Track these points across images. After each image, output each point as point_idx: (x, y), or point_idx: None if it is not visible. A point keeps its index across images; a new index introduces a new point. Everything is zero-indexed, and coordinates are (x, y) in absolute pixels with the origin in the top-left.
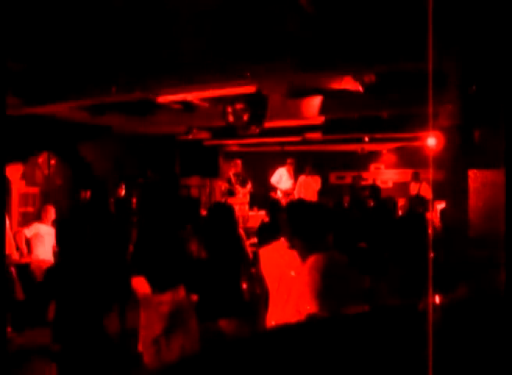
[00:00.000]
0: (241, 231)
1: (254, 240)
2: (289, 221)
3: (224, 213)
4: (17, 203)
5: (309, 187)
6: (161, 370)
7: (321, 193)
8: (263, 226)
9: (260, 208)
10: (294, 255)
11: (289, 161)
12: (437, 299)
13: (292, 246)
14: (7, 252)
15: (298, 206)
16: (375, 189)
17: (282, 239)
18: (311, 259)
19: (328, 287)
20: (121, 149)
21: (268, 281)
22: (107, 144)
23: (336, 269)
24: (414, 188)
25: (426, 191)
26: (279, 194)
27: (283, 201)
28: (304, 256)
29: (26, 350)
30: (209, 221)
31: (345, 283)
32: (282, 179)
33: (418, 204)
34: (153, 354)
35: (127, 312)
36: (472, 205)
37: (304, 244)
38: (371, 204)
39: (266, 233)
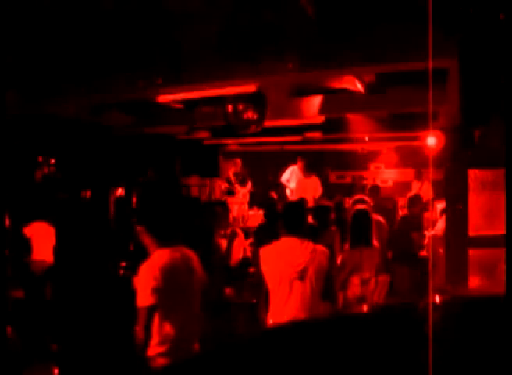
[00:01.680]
0: (239, 230)
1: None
2: (143, 219)
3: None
4: None
5: (307, 188)
6: (161, 370)
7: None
8: (261, 226)
9: (259, 207)
10: (294, 254)
11: (299, 159)
12: (437, 299)
13: (142, 241)
14: None
15: (153, 206)
16: (374, 189)
17: (283, 238)
18: (154, 255)
19: (164, 280)
20: (121, 149)
21: (269, 281)
22: (107, 143)
23: (175, 263)
24: (415, 187)
25: (428, 190)
26: (288, 193)
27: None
28: (151, 251)
29: (27, 350)
30: None
31: (184, 277)
32: (292, 177)
33: (417, 203)
34: None
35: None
36: (472, 205)
37: (155, 240)
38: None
39: (264, 234)
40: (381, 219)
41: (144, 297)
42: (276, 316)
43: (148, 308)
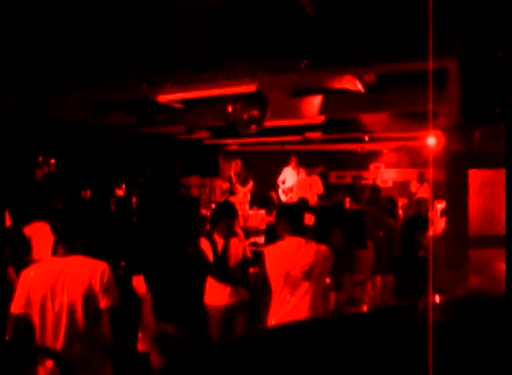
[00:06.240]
0: (239, 230)
1: (255, 239)
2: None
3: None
4: None
5: (307, 188)
6: (162, 370)
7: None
8: (271, 226)
9: (260, 207)
10: (300, 254)
11: (292, 158)
12: (437, 299)
13: None
14: None
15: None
16: (374, 189)
17: (287, 238)
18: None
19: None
20: (121, 149)
21: (272, 280)
22: (107, 143)
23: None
24: (414, 187)
25: (426, 192)
26: (280, 193)
27: (285, 200)
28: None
29: (27, 350)
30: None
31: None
32: (286, 178)
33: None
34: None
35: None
36: (472, 205)
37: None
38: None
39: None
40: (391, 220)
41: (16, 304)
42: (279, 315)
43: (17, 316)
